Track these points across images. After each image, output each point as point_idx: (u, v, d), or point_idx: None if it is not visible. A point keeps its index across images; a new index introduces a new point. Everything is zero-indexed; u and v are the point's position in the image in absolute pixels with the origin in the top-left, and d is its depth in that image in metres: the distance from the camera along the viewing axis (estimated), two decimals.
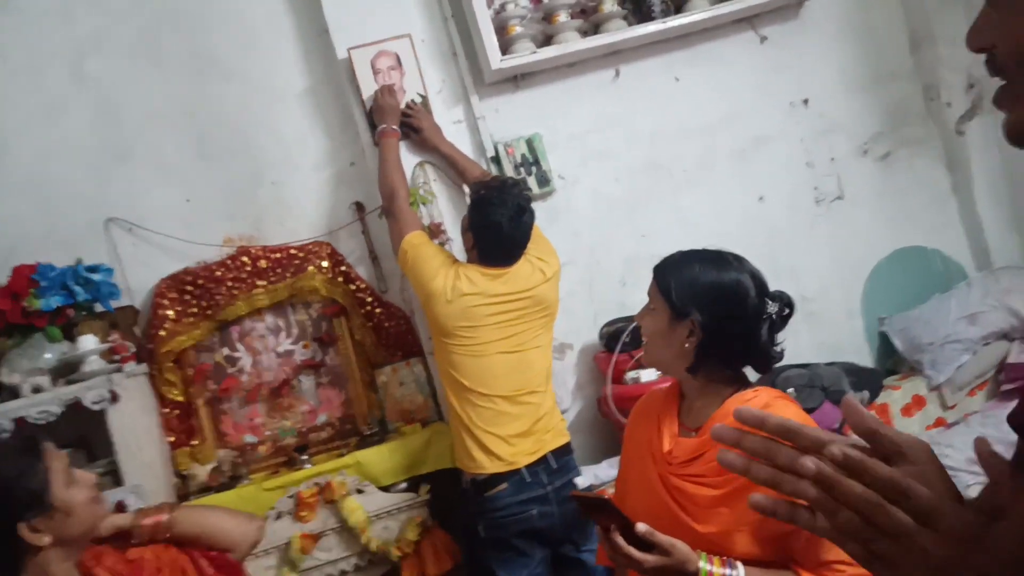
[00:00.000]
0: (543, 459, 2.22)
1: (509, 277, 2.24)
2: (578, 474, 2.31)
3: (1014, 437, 2.39)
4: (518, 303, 2.25)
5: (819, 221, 3.11)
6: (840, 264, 3.09)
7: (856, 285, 3.12)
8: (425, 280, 2.23)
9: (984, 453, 0.65)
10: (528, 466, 2.19)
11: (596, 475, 2.54)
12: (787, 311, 1.35)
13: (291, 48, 2.81)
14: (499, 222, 2.19)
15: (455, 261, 2.31)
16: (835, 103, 3.11)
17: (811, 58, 3.08)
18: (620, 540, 1.18)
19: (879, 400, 2.76)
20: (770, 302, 1.33)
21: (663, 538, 1.17)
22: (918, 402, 2.79)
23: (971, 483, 2.33)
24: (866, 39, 3.14)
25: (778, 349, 1.36)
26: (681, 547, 1.17)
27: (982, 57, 0.67)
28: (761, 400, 1.30)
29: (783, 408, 1.29)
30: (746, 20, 3.03)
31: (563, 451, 2.28)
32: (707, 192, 3.01)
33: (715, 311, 1.31)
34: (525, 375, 2.25)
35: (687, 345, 1.33)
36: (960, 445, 2.47)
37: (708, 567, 1.18)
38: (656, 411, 1.43)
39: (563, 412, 2.73)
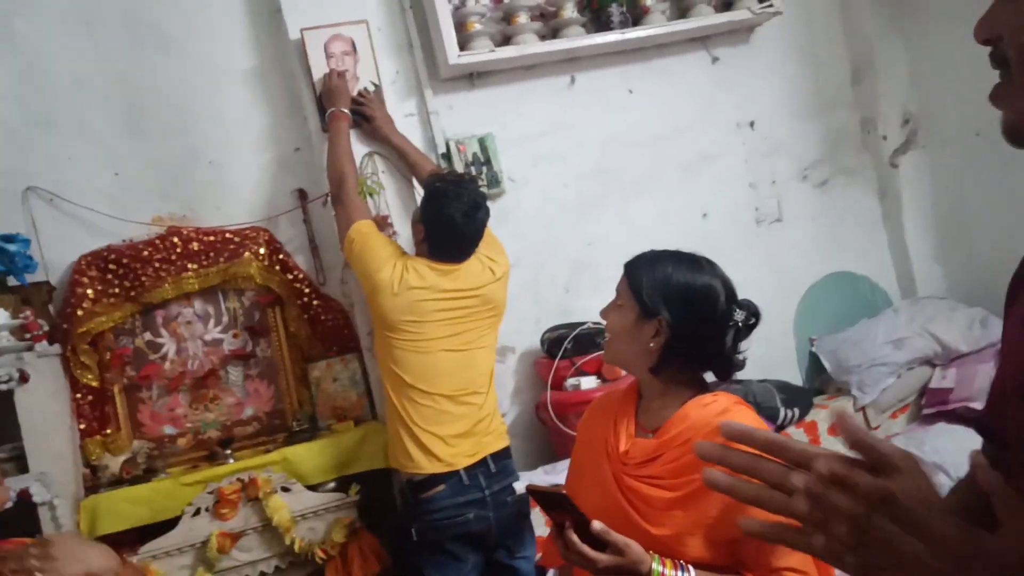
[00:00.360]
0: (482, 462, 2.16)
1: (459, 274, 2.19)
2: (516, 478, 2.27)
3: (934, 458, 2.47)
4: (466, 301, 2.20)
5: (758, 241, 3.18)
6: (776, 284, 3.17)
7: (790, 305, 3.20)
8: (372, 271, 2.15)
9: (978, 466, 0.65)
10: (467, 468, 2.13)
11: (531, 481, 2.51)
12: (753, 320, 1.34)
13: (239, 23, 2.69)
14: (453, 216, 2.14)
15: (404, 253, 2.24)
16: (779, 127, 3.20)
17: (759, 82, 3.16)
18: (574, 537, 1.15)
19: (808, 418, 2.83)
20: (738, 310, 1.32)
21: (617, 537, 1.15)
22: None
23: None
24: (811, 68, 3.24)
25: (741, 357, 1.36)
26: (635, 547, 1.16)
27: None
28: (720, 405, 1.29)
29: (742, 414, 1.29)
30: (700, 40, 3.09)
31: (502, 455, 2.24)
32: (653, 203, 3.04)
33: (684, 313, 1.29)
34: (469, 375, 2.20)
35: (652, 345, 1.31)
36: None
37: (660, 569, 1.16)
38: (613, 410, 1.41)
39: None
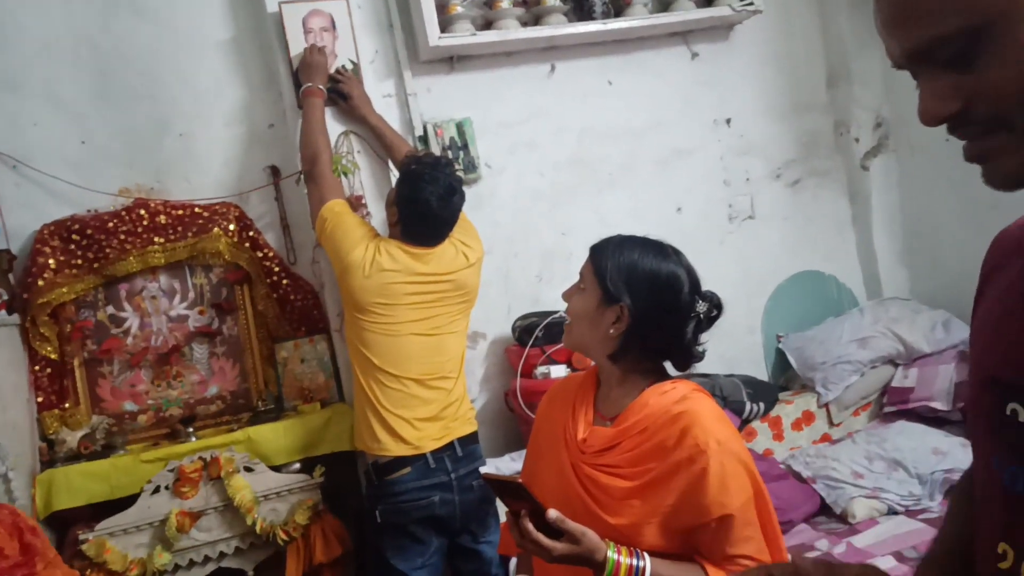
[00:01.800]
0: (449, 446, 2.15)
1: (432, 258, 2.17)
2: (483, 463, 2.26)
3: (894, 454, 2.53)
4: (438, 285, 2.18)
5: (730, 238, 3.21)
6: (746, 281, 3.20)
7: (759, 302, 3.24)
8: (344, 251, 2.12)
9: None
10: (433, 452, 2.11)
11: (498, 468, 2.50)
12: (715, 312, 1.33)
13: None
14: (428, 199, 2.10)
15: (377, 235, 2.21)
16: (755, 126, 3.23)
17: (737, 80, 3.18)
18: (530, 526, 1.14)
19: (773, 413, 2.86)
20: (701, 301, 1.31)
21: (573, 525, 1.14)
22: (808, 417, 2.92)
23: (854, 495, 2.44)
24: (788, 69, 3.28)
25: (700, 349, 1.34)
26: (591, 536, 1.15)
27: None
28: (679, 392, 1.28)
29: (699, 401, 1.27)
30: (680, 35, 3.11)
31: (470, 439, 2.22)
32: (628, 195, 3.05)
33: (647, 300, 1.27)
34: (438, 359, 2.18)
35: (612, 331, 1.29)
36: (845, 460, 2.59)
37: (616, 556, 1.15)
38: (571, 397, 1.39)
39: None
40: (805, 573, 0.77)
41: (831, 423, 2.94)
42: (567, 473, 1.30)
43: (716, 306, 1.32)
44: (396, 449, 2.09)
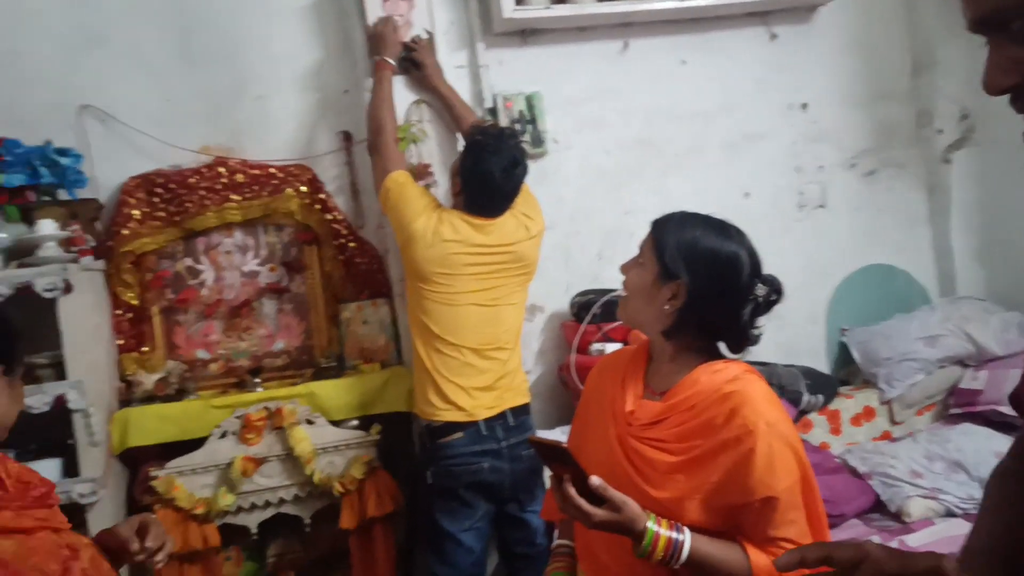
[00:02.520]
0: (502, 415, 2.19)
1: (493, 229, 2.20)
2: (534, 434, 2.29)
3: (956, 456, 2.45)
4: (498, 256, 2.21)
5: (798, 226, 3.14)
6: (811, 271, 3.13)
7: (823, 293, 3.17)
8: (407, 221, 2.17)
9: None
10: (486, 420, 2.16)
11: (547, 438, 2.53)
12: (775, 297, 1.31)
13: None
14: (491, 171, 2.13)
15: (439, 205, 2.25)
16: (831, 113, 3.14)
17: (815, 64, 3.10)
18: (572, 491, 1.15)
19: (832, 406, 2.81)
20: (760, 284, 1.30)
21: (615, 494, 1.15)
22: (868, 413, 2.85)
23: (911, 494, 2.39)
24: (870, 56, 3.17)
25: (756, 333, 1.33)
26: (632, 505, 1.16)
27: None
28: (731, 372, 1.27)
29: (751, 383, 1.26)
30: (759, 15, 3.03)
31: (522, 411, 2.26)
32: (694, 179, 3.01)
33: (705, 279, 1.26)
34: (495, 330, 2.21)
35: (667, 307, 1.28)
36: (904, 458, 2.53)
37: (656, 528, 1.16)
38: (622, 370, 1.39)
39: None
40: (874, 558, 0.75)
41: (892, 421, 2.87)
42: (613, 445, 1.31)
43: (776, 291, 1.31)
44: (450, 415, 2.14)
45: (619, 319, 1.43)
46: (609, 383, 1.40)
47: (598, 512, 1.15)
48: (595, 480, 1.14)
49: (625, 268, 1.37)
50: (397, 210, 2.21)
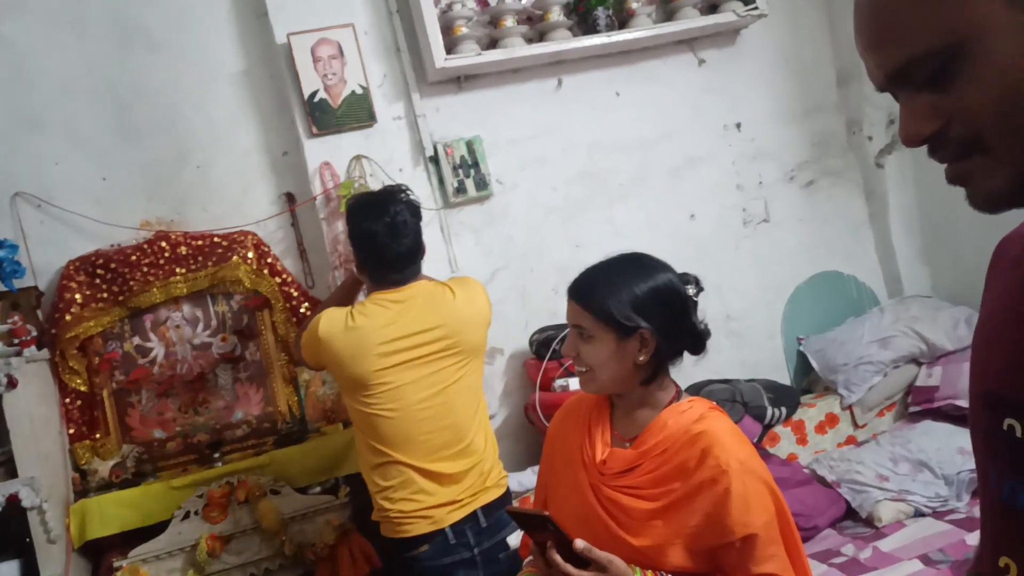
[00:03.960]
0: (472, 516, 1.91)
1: (408, 303, 1.90)
2: (511, 532, 1.99)
3: (919, 456, 2.49)
4: (423, 335, 1.89)
5: (746, 243, 3.20)
6: (763, 285, 3.19)
7: (777, 306, 3.23)
8: (314, 330, 1.90)
9: None
10: (453, 524, 1.89)
11: (520, 482, 2.52)
12: (700, 289, 1.37)
13: (226, 26, 2.69)
14: (373, 229, 1.87)
15: (351, 309, 1.94)
16: (766, 130, 3.22)
17: (745, 85, 3.18)
18: (558, 557, 1.16)
19: (795, 417, 2.85)
20: (690, 287, 1.34)
21: (600, 554, 1.16)
22: (831, 420, 2.90)
23: (880, 498, 2.42)
24: (797, 71, 3.27)
25: (703, 325, 1.36)
26: (617, 563, 1.16)
27: None
28: (696, 411, 1.29)
29: (717, 420, 1.28)
30: (686, 43, 3.11)
31: (496, 505, 1.95)
32: (641, 206, 3.06)
33: (661, 316, 1.27)
34: (449, 424, 1.90)
35: (642, 358, 1.27)
36: (870, 463, 2.56)
37: None
38: (585, 416, 1.39)
39: (489, 418, 2.70)
40: None
41: (855, 425, 2.92)
42: (587, 494, 1.30)
43: (698, 283, 1.37)
44: (411, 528, 1.88)
45: (589, 392, 1.37)
46: (574, 431, 1.39)
47: (585, 574, 1.15)
48: (580, 543, 1.15)
49: (570, 349, 1.33)
50: (317, 354, 1.93)
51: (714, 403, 1.35)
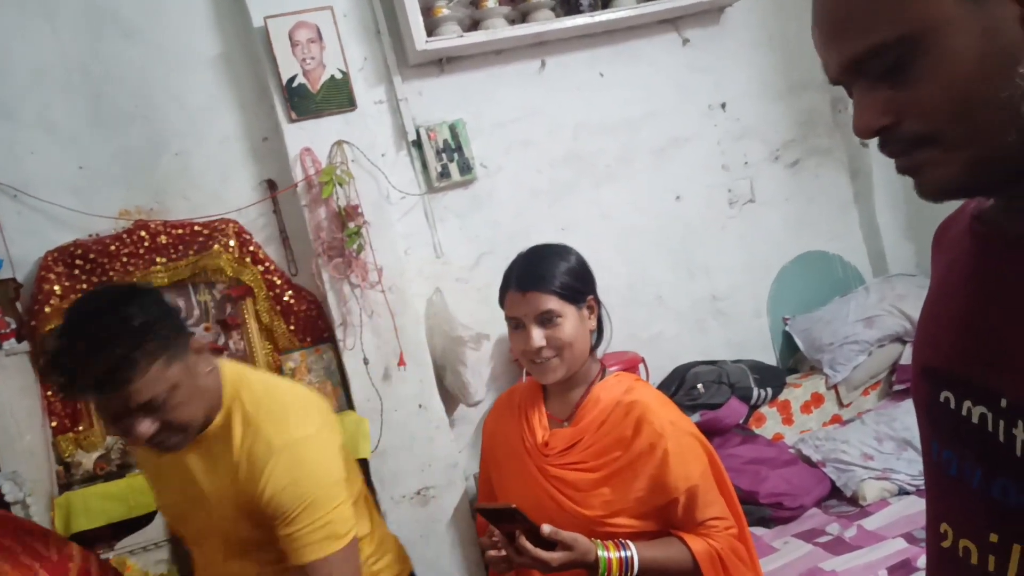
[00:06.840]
0: None
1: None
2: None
3: (903, 434, 2.51)
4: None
5: (732, 223, 3.20)
6: (749, 265, 3.19)
7: (763, 286, 3.23)
8: None
9: None
10: None
11: None
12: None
13: (202, 10, 2.63)
14: (59, 350, 1.22)
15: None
16: (751, 109, 3.20)
17: (730, 63, 3.16)
18: (528, 544, 1.22)
19: (781, 397, 2.86)
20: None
21: (566, 535, 1.23)
22: (817, 399, 2.92)
23: (864, 477, 2.44)
24: (781, 49, 3.24)
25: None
26: (582, 540, 1.24)
27: None
28: (623, 384, 1.39)
29: (644, 389, 1.39)
30: (670, 22, 3.08)
31: None
32: (626, 187, 3.04)
33: (591, 283, 1.42)
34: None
35: (591, 323, 1.40)
36: (855, 442, 2.58)
37: (606, 554, 1.25)
38: (518, 405, 1.48)
39: (476, 403, 2.71)
40: None
41: (841, 404, 2.94)
42: (535, 477, 1.39)
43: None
44: None
45: (562, 377, 1.36)
46: (511, 422, 1.48)
47: (555, 555, 1.22)
48: (547, 528, 1.22)
49: (538, 339, 1.32)
50: None
51: (638, 376, 1.47)
